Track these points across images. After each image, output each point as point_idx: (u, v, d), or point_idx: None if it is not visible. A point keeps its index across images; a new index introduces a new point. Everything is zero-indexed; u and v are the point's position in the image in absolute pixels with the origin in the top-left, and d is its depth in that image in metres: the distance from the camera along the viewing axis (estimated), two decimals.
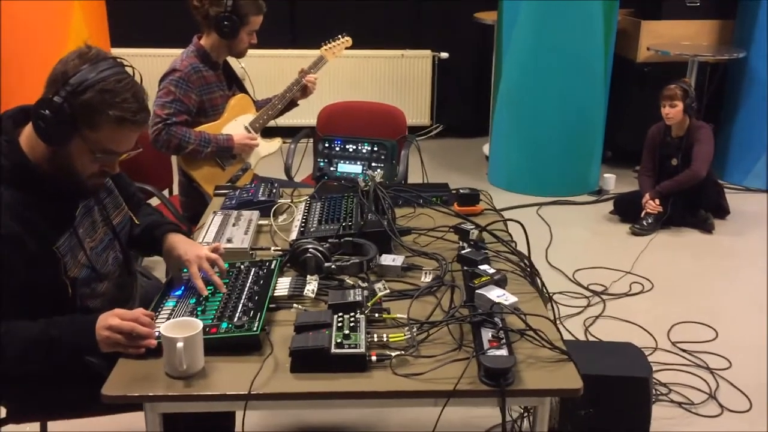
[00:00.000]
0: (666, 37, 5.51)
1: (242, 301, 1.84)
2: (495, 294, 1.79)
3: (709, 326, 3.50)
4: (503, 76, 5.22)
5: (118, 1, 5.21)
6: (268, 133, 3.53)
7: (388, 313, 1.83)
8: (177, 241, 1.99)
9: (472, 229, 2.16)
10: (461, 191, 2.55)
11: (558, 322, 3.40)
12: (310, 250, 2.04)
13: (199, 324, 1.64)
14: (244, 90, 3.43)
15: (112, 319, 1.67)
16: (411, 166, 4.16)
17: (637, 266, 4.13)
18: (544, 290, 2.13)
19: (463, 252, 2.07)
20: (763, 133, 5.27)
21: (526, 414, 2.41)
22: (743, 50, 5.27)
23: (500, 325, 1.70)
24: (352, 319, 1.74)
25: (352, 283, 1.99)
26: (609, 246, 4.48)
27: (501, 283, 1.89)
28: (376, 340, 1.71)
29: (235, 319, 1.75)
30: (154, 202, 3.40)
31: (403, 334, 1.73)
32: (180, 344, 1.57)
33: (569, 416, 2.48)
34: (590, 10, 4.85)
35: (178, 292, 1.91)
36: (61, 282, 1.80)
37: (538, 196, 5.17)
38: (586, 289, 3.85)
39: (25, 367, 1.74)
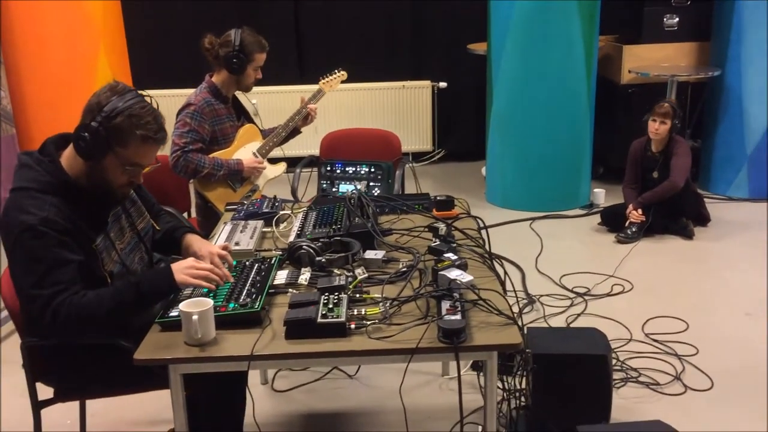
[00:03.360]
0: (647, 59, 5.89)
1: (246, 288, 2.22)
2: (454, 274, 2.16)
3: (681, 319, 3.82)
4: (494, 102, 5.62)
5: (139, 48, 5.70)
6: (276, 161, 3.94)
7: (368, 294, 2.20)
8: (193, 240, 2.40)
9: (440, 226, 2.52)
10: (438, 198, 2.93)
11: (543, 320, 3.78)
12: (303, 247, 2.42)
13: (210, 302, 2.02)
14: (251, 121, 3.85)
15: (189, 262, 2.14)
16: (411, 185, 4.51)
17: (620, 270, 4.46)
18: (507, 277, 2.49)
19: (432, 245, 2.44)
20: (741, 145, 5.61)
21: (507, 397, 2.77)
22: (718, 69, 5.63)
23: (456, 297, 2.07)
24: (335, 297, 2.12)
25: (339, 272, 2.36)
26: (595, 253, 4.82)
27: (462, 267, 2.26)
28: (356, 313, 2.09)
29: (241, 300, 2.13)
30: None
31: (378, 309, 2.10)
32: (195, 317, 1.96)
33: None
34: (571, 36, 5.25)
35: None
36: (101, 274, 2.20)
37: (532, 211, 5.52)
38: (571, 291, 4.18)
39: (121, 316, 2.11)
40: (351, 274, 2.34)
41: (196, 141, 3.52)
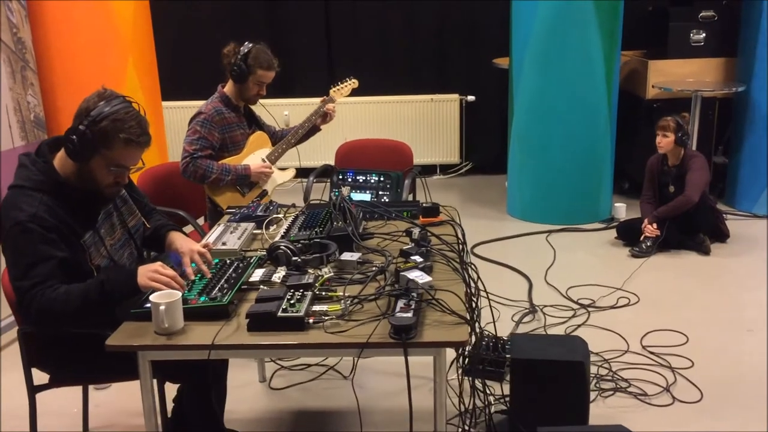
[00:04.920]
0: (672, 75, 5.87)
1: (221, 283, 2.35)
2: (413, 275, 2.25)
3: (681, 333, 3.82)
4: (515, 115, 5.68)
5: (169, 59, 5.95)
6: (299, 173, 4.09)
7: (334, 292, 2.31)
8: (176, 237, 2.55)
9: (414, 230, 2.62)
10: (424, 205, 3.02)
11: (543, 329, 3.83)
12: (281, 247, 2.55)
13: (178, 294, 2.16)
14: (262, 129, 4.01)
15: (155, 266, 2.26)
16: (438, 194, 4.58)
17: (629, 284, 4.47)
18: (480, 283, 2.56)
19: (404, 248, 2.54)
20: (766, 162, 5.54)
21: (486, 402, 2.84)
22: (743, 84, 5.59)
23: (412, 297, 2.16)
24: (299, 294, 2.24)
25: (312, 272, 2.48)
26: (607, 267, 4.83)
27: (426, 269, 2.35)
28: (318, 309, 2.20)
29: (211, 294, 2.27)
30: (187, 228, 4.01)
31: (339, 306, 2.21)
32: (162, 307, 2.10)
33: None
34: (590, 51, 5.29)
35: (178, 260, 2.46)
36: (88, 267, 2.37)
37: (551, 224, 5.55)
38: (575, 302, 4.21)
39: (89, 311, 2.24)
40: (321, 272, 2.45)
41: (205, 148, 3.69)
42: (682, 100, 5.71)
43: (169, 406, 2.74)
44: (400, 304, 2.15)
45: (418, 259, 2.40)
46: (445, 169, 7.15)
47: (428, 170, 7.08)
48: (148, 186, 3.93)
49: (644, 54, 6.18)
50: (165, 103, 5.32)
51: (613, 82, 5.47)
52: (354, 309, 2.23)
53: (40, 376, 2.63)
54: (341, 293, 2.29)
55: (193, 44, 6.56)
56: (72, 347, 2.47)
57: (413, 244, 2.59)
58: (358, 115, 6.88)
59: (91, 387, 3.36)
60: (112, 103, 2.29)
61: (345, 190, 2.83)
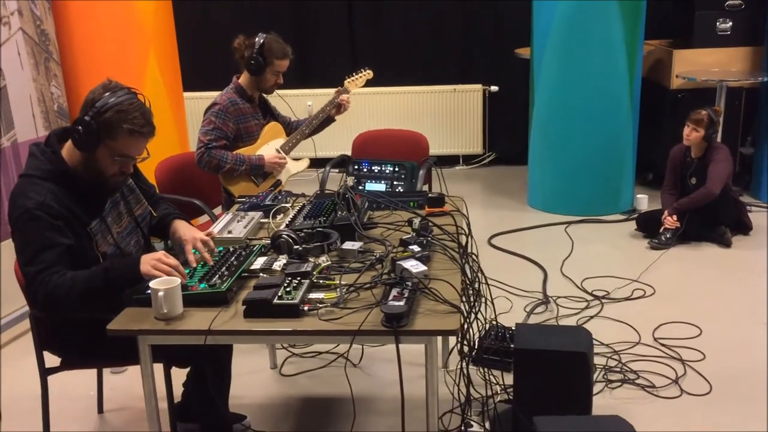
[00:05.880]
0: (698, 64, 5.79)
1: (222, 271, 2.40)
2: (408, 264, 2.28)
3: (695, 325, 3.79)
4: (535, 106, 5.66)
5: (191, 51, 6.02)
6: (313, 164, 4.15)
7: (332, 280, 2.35)
8: (180, 226, 2.61)
9: (415, 220, 2.64)
10: (430, 195, 3.04)
11: (555, 320, 3.83)
12: (283, 236, 2.59)
13: (177, 280, 2.22)
14: (277, 119, 4.05)
15: (158, 255, 2.32)
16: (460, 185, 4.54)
17: (646, 276, 4.43)
18: (480, 273, 2.58)
19: (404, 237, 2.56)
20: None
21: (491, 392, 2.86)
22: None
23: (406, 286, 2.19)
24: (296, 282, 2.28)
25: (313, 260, 2.52)
26: (624, 259, 4.80)
27: (423, 259, 2.38)
28: (314, 297, 2.24)
29: (211, 282, 2.32)
30: (204, 217, 4.09)
31: (335, 294, 2.25)
32: (161, 293, 2.16)
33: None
34: (611, 40, 5.23)
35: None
36: (95, 255, 2.44)
37: (571, 215, 5.52)
38: (590, 294, 4.19)
39: (93, 297, 2.30)
40: (320, 260, 2.49)
41: (220, 138, 3.75)
42: (707, 90, 5.63)
43: (178, 390, 2.82)
44: (394, 292, 2.18)
45: (415, 248, 2.43)
46: (468, 159, 7.14)
47: (451, 161, 7.09)
48: (165, 176, 4.01)
49: (670, 43, 6.10)
50: (186, 94, 5.39)
51: (635, 72, 5.41)
52: (350, 297, 2.27)
53: (52, 360, 2.72)
54: (336, 281, 2.33)
55: (215, 35, 6.62)
56: (81, 331, 2.55)
57: (414, 234, 2.61)
58: (381, 106, 6.91)
59: (107, 372, 3.47)
60: (117, 95, 2.35)
61: (350, 180, 2.86)
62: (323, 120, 4.09)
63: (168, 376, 2.66)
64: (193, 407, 2.74)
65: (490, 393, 2.97)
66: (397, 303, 2.11)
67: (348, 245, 2.61)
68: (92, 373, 3.24)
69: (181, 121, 5.16)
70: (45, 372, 2.68)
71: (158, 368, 2.57)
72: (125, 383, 3.50)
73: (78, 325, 2.54)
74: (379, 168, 4.26)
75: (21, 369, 3.52)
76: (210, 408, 2.57)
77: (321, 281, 2.35)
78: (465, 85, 6.88)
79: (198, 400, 2.61)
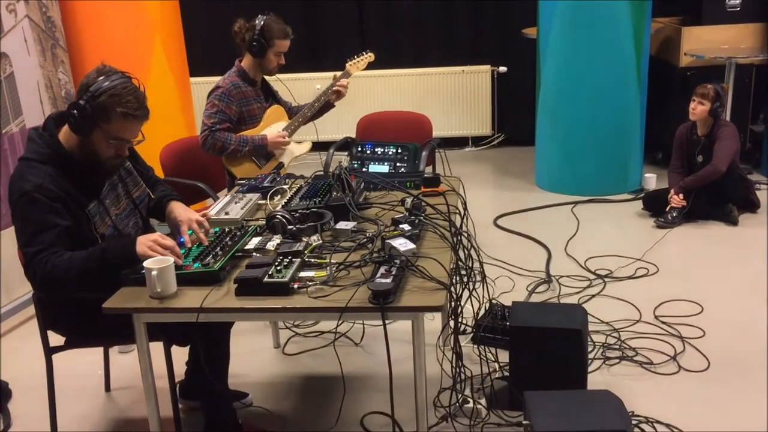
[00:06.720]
0: (707, 41, 5.74)
1: (216, 251, 2.45)
2: (397, 243, 2.32)
3: (696, 303, 3.79)
4: (542, 86, 5.65)
5: (197, 38, 6.04)
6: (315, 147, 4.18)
7: (324, 259, 2.39)
8: (176, 207, 2.67)
9: (407, 199, 2.67)
10: (425, 176, 3.07)
11: (557, 299, 3.85)
12: (277, 216, 2.63)
13: (170, 259, 2.27)
14: (279, 103, 4.09)
15: (154, 236, 2.37)
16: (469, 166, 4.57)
17: (651, 254, 4.43)
18: (474, 251, 2.61)
19: (395, 217, 2.60)
20: None
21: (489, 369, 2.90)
22: None
23: (394, 263, 2.23)
24: (287, 260, 2.32)
25: (306, 239, 2.56)
26: (630, 238, 4.79)
27: (413, 237, 2.41)
28: (305, 275, 2.28)
29: (205, 261, 2.37)
30: (208, 200, 4.14)
31: (325, 272, 2.29)
32: (154, 273, 2.21)
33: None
34: (618, 18, 5.20)
35: (182, 240, 2.56)
36: (93, 236, 2.49)
37: (578, 195, 5.52)
38: (593, 273, 4.21)
39: (90, 277, 2.35)
40: (312, 240, 2.53)
41: (223, 121, 3.79)
42: (716, 67, 5.59)
43: (180, 368, 2.89)
44: (382, 270, 2.22)
45: (405, 227, 2.46)
46: (477, 141, 7.14)
47: (460, 142, 7.10)
48: (171, 159, 4.07)
49: (679, 21, 6.05)
50: (193, 79, 5.44)
51: (642, 50, 5.37)
52: (340, 275, 2.31)
53: (57, 340, 2.79)
54: (326, 260, 2.37)
55: (221, 20, 6.63)
56: (82, 311, 2.60)
57: (406, 213, 2.64)
58: (390, 88, 6.92)
59: (115, 351, 3.55)
60: (111, 78, 2.40)
61: (344, 161, 2.89)
62: (323, 104, 4.11)
63: (168, 354, 2.72)
64: (193, 385, 2.80)
65: (487, 370, 3.02)
66: (384, 280, 2.14)
67: (342, 225, 2.65)
68: (100, 352, 3.33)
69: (188, 105, 5.21)
70: (49, 351, 2.75)
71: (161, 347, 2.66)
72: (134, 362, 3.56)
73: (80, 305, 2.60)
74: (382, 150, 4.29)
75: (29, 349, 3.60)
76: (205, 383, 2.63)
77: (312, 260, 2.39)
78: (473, 66, 6.86)
79: (198, 378, 2.66)
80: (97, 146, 2.45)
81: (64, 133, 2.49)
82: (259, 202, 3.05)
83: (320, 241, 2.48)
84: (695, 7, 5.84)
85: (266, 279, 2.22)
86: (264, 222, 2.75)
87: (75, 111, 2.38)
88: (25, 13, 4.14)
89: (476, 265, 2.69)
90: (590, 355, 3.24)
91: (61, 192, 2.40)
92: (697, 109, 4.82)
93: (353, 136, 4.77)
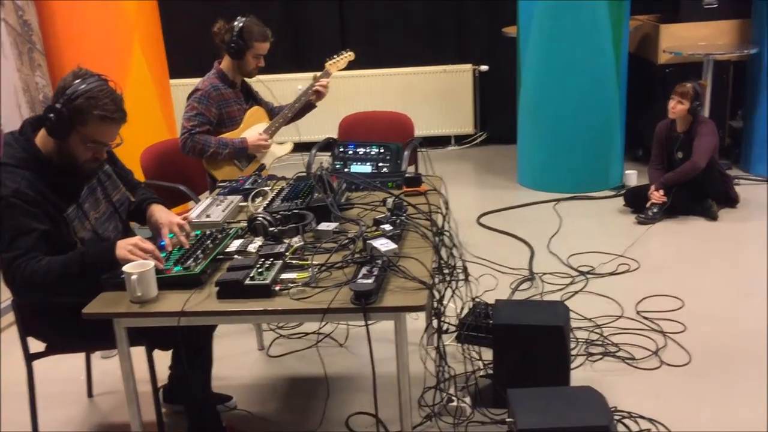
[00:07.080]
0: (685, 39, 5.78)
1: (197, 254, 2.44)
2: (378, 243, 2.32)
3: (677, 298, 3.82)
4: (522, 84, 5.67)
5: (176, 40, 5.98)
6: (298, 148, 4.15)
7: (306, 260, 2.39)
8: (156, 210, 2.65)
9: (388, 200, 2.68)
10: (407, 175, 3.07)
11: (540, 296, 3.86)
12: (259, 218, 2.63)
13: (150, 263, 2.26)
14: (260, 104, 4.08)
15: (135, 239, 2.36)
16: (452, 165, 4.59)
17: (632, 250, 4.46)
18: (462, 249, 2.62)
19: (377, 217, 2.60)
20: None
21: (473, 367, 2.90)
22: (756, 47, 5.48)
23: (375, 264, 2.23)
24: (269, 262, 2.32)
25: (287, 241, 2.55)
26: (611, 234, 4.82)
27: (395, 237, 2.41)
28: (287, 277, 2.28)
29: (185, 264, 2.36)
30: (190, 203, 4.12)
31: (307, 274, 2.29)
32: (134, 277, 2.20)
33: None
34: (597, 15, 5.23)
35: (162, 243, 2.54)
36: (72, 240, 2.48)
37: (560, 192, 5.54)
38: (575, 269, 4.23)
39: (69, 283, 2.34)
40: (294, 241, 2.53)
41: (203, 123, 3.78)
42: (694, 64, 5.63)
43: (164, 372, 2.88)
44: (363, 270, 2.22)
45: (387, 227, 2.46)
46: (460, 140, 7.16)
47: (443, 141, 7.11)
48: (151, 162, 4.04)
49: (657, 18, 6.09)
50: (173, 81, 5.41)
51: (621, 48, 5.41)
52: (322, 276, 2.30)
53: (38, 346, 2.77)
54: (308, 261, 2.36)
55: (201, 20, 6.60)
56: (62, 316, 2.58)
57: (387, 213, 2.65)
58: (372, 88, 6.91)
59: (97, 356, 3.52)
60: (88, 81, 2.38)
61: (326, 162, 2.88)
62: (304, 105, 4.10)
63: (150, 358, 2.71)
64: (177, 389, 2.78)
65: (471, 369, 3.03)
66: (365, 281, 2.14)
67: (323, 226, 2.65)
68: (82, 357, 3.30)
69: (168, 107, 5.18)
70: (30, 357, 2.73)
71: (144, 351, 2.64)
72: (116, 367, 3.54)
73: (60, 310, 2.58)
74: (364, 150, 4.29)
75: (10, 355, 3.57)
76: (187, 387, 2.62)
77: (294, 262, 2.38)
78: (455, 65, 6.88)
79: (181, 382, 2.65)
80: (75, 150, 2.43)
81: (41, 137, 2.47)
82: (241, 204, 3.04)
83: (302, 243, 2.47)
84: (673, 5, 5.89)
85: (248, 281, 2.21)
86: (245, 224, 2.74)
87: (51, 114, 2.36)
88: (2, 17, 4.10)
89: (458, 263, 2.70)
90: (573, 352, 3.26)
91: (38, 196, 2.38)
92: (677, 108, 4.86)
93: (335, 136, 4.77)
